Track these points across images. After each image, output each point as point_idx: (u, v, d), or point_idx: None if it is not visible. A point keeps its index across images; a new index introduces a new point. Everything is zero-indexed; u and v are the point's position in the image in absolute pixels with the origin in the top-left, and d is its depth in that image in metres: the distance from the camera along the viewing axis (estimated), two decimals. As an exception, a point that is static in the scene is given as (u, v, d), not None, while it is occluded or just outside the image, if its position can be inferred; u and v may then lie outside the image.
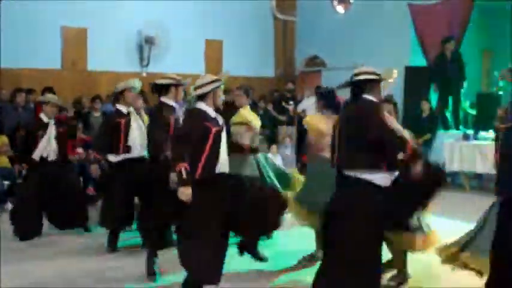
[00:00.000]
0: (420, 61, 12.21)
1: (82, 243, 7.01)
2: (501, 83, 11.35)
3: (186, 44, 12.74)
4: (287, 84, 13.78)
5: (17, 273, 5.82)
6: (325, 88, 6.23)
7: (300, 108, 12.66)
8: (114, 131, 6.44)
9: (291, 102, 12.73)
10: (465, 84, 11.26)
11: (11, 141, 9.39)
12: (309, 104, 12.74)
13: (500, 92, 11.33)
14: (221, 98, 4.81)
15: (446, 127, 11.27)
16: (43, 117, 7.22)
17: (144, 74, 12.22)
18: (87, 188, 9.12)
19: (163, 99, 5.91)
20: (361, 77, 4.45)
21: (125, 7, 11.81)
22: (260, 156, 6.84)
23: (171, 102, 5.91)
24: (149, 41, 12.06)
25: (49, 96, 7.60)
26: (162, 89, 5.93)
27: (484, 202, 5.06)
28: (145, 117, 6.64)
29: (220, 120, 4.73)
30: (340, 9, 14.14)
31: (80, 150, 9.63)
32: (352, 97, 4.55)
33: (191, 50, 13.01)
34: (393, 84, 4.67)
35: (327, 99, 5.86)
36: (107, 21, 11.60)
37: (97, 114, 10.62)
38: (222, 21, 13.51)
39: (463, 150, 10.30)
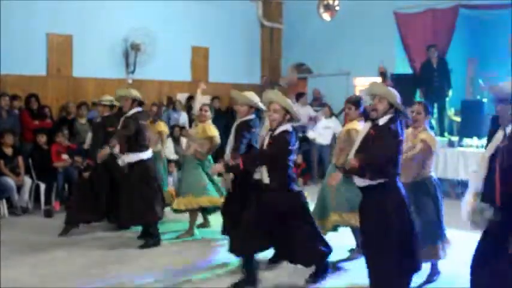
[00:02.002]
0: (406, 68, 12.29)
1: (66, 250, 6.97)
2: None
3: (172, 51, 12.71)
4: (273, 91, 13.78)
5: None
6: None
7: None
8: None
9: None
10: (450, 91, 11.33)
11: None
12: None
13: (485, 100, 11.41)
14: None
15: (431, 134, 11.31)
16: None
17: (130, 81, 12.18)
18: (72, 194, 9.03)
19: None
20: None
21: (111, 14, 11.75)
22: None
23: None
24: (135, 47, 12.01)
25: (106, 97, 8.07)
26: None
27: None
28: None
29: None
30: (326, 16, 14.22)
31: (65, 156, 9.58)
32: None
33: (177, 57, 12.99)
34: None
35: None
36: (93, 28, 11.54)
37: (83, 121, 10.55)
38: (208, 28, 13.50)
39: (447, 157, 10.36)
